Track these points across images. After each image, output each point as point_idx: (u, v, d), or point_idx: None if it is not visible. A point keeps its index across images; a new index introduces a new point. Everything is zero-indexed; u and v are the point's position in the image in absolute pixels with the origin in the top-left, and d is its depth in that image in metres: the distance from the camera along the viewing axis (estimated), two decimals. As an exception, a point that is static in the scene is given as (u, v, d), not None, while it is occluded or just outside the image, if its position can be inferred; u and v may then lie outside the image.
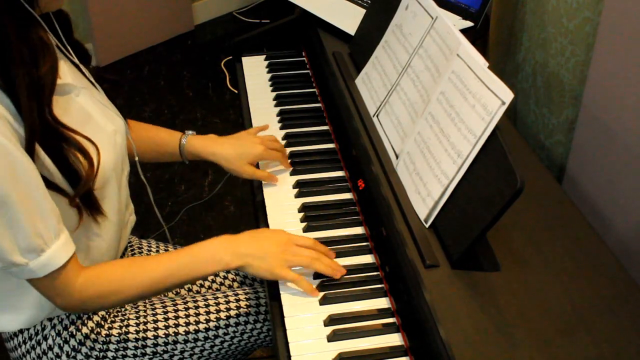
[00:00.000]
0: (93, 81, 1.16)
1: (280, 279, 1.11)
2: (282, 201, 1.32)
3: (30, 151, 0.94)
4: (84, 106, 1.09)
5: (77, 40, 1.15)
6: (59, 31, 1.06)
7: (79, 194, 1.02)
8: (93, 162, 1.04)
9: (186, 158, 1.38)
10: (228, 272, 1.44)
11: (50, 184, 0.99)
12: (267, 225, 1.27)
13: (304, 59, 1.79)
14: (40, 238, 0.95)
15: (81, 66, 1.13)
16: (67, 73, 1.07)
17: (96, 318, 1.20)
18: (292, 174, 1.39)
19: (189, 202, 2.58)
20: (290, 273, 1.10)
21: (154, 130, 1.38)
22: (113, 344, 1.21)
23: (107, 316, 1.22)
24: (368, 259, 1.18)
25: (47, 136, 0.97)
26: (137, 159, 1.28)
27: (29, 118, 0.92)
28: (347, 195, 1.33)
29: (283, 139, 1.48)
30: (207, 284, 1.42)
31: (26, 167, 0.92)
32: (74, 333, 1.18)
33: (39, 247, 0.96)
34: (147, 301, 1.29)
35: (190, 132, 1.38)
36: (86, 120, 1.07)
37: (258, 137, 1.40)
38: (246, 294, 1.32)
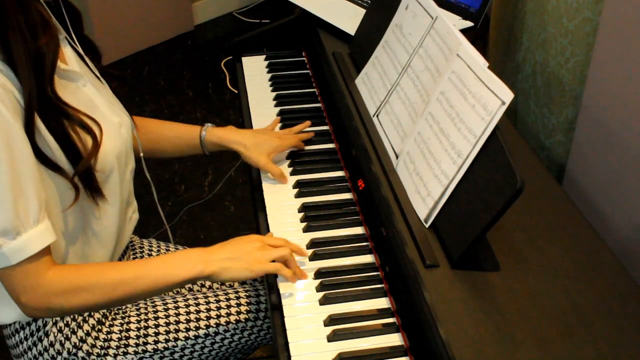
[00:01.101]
0: (99, 77, 1.17)
1: (261, 274, 1.10)
2: (282, 201, 1.32)
3: (29, 122, 0.95)
4: (91, 97, 1.11)
5: (87, 36, 1.17)
6: (68, 23, 1.09)
7: (79, 171, 1.02)
8: (97, 138, 1.04)
9: (207, 149, 1.41)
10: None
11: (48, 162, 0.99)
12: (267, 225, 1.27)
13: (304, 59, 1.79)
14: (19, 219, 0.94)
15: (87, 60, 1.15)
16: (74, 63, 1.09)
17: (97, 315, 1.21)
18: (292, 174, 1.39)
19: (189, 202, 2.58)
20: (270, 265, 1.10)
21: (173, 125, 1.43)
22: (114, 341, 1.21)
23: (108, 314, 1.23)
24: (368, 259, 1.18)
25: (48, 111, 0.98)
26: (141, 155, 1.29)
27: (27, 87, 0.94)
28: (347, 195, 1.33)
29: (283, 139, 1.48)
30: (207, 283, 1.42)
31: (21, 142, 0.93)
32: (76, 330, 1.18)
33: (16, 228, 0.94)
34: (148, 299, 1.29)
35: (208, 124, 1.42)
36: (92, 109, 1.09)
37: (276, 131, 1.46)
38: (246, 292, 1.32)
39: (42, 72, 0.96)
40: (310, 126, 1.50)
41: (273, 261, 1.11)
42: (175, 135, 1.41)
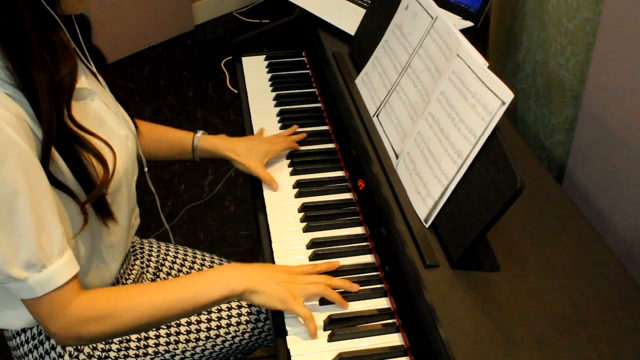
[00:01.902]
0: (103, 85, 1.15)
1: (291, 312, 1.04)
2: (282, 201, 1.32)
3: (45, 154, 0.92)
4: (98, 111, 1.08)
5: (95, 45, 1.14)
6: (79, 35, 1.05)
7: (92, 199, 1.00)
8: (108, 167, 1.02)
9: (197, 156, 1.42)
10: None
11: (61, 186, 0.97)
12: (267, 225, 1.27)
13: (304, 59, 1.79)
14: (43, 252, 0.92)
15: (94, 70, 1.12)
16: (82, 77, 1.06)
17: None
18: (292, 174, 1.39)
19: (189, 202, 2.58)
20: (303, 308, 1.04)
21: (165, 129, 1.43)
22: (115, 343, 1.21)
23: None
24: (368, 259, 1.18)
25: (63, 139, 0.95)
26: (146, 169, 1.26)
27: (47, 121, 0.91)
28: (347, 195, 1.33)
29: (283, 139, 1.48)
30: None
31: (38, 172, 0.91)
32: (76, 333, 1.17)
33: (41, 262, 0.92)
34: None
35: (201, 131, 1.43)
36: (101, 125, 1.06)
37: (266, 137, 1.47)
38: (246, 293, 1.32)
39: (60, 100, 0.93)
40: (310, 126, 1.51)
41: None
42: (168, 140, 1.41)
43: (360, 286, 1.11)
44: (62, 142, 0.95)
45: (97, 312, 0.99)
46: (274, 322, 1.08)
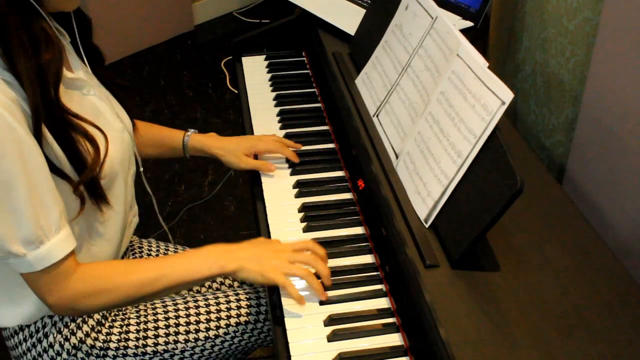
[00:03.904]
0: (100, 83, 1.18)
1: (271, 283, 1.10)
2: (282, 201, 1.32)
3: (37, 133, 0.96)
4: (95, 103, 1.12)
5: (94, 44, 1.19)
6: (76, 32, 1.10)
7: (83, 180, 1.03)
8: (99, 149, 1.06)
9: (188, 153, 1.45)
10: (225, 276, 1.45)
11: (55, 169, 1.00)
12: (267, 225, 1.27)
13: (304, 59, 1.79)
14: (41, 229, 0.96)
15: (88, 69, 1.16)
16: (80, 70, 1.11)
17: (97, 316, 1.21)
18: (292, 174, 1.39)
19: (189, 202, 2.58)
20: (281, 277, 1.08)
21: (158, 128, 1.45)
22: (114, 342, 1.21)
23: (108, 315, 1.23)
24: (368, 259, 1.18)
25: (54, 121, 0.99)
26: (142, 170, 1.29)
27: (32, 100, 0.95)
28: (347, 195, 1.33)
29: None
30: (207, 283, 1.42)
31: (35, 154, 0.94)
32: (75, 331, 1.18)
33: (39, 238, 0.97)
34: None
35: (192, 130, 1.45)
36: (96, 116, 1.10)
37: (258, 135, 1.48)
38: (247, 293, 1.32)
39: (46, 85, 0.97)
40: (310, 126, 1.51)
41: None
42: (159, 138, 1.44)
43: (360, 286, 1.12)
44: (53, 123, 0.99)
45: (93, 288, 1.05)
46: (272, 313, 1.08)
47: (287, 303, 1.09)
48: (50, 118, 0.98)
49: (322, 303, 1.09)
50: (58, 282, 1.02)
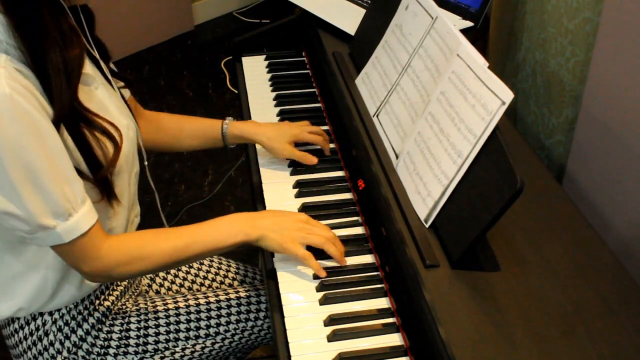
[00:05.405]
0: (110, 79, 1.19)
1: (290, 254, 1.13)
2: (282, 201, 1.32)
3: (56, 127, 0.97)
4: (102, 98, 1.13)
5: (99, 37, 1.20)
6: (85, 26, 1.12)
7: (105, 173, 1.06)
8: (118, 144, 1.08)
9: (228, 142, 1.44)
10: (229, 270, 1.45)
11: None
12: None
13: (304, 59, 1.79)
14: (68, 202, 0.98)
15: (101, 62, 1.18)
16: (88, 66, 1.12)
17: (97, 315, 1.21)
18: (292, 174, 1.39)
19: (189, 202, 2.58)
20: (301, 249, 1.12)
21: (192, 119, 1.45)
22: (114, 340, 1.21)
23: (108, 313, 1.23)
24: (368, 259, 1.18)
25: (72, 119, 1.00)
26: (146, 163, 1.30)
27: (59, 99, 0.96)
28: (347, 195, 1.33)
29: (283, 139, 1.48)
30: (207, 282, 1.42)
31: (52, 135, 0.96)
32: (75, 329, 1.18)
33: (67, 211, 0.99)
34: (147, 298, 1.29)
35: (229, 117, 1.44)
36: (104, 112, 1.11)
37: (295, 122, 1.47)
38: (247, 291, 1.32)
39: (70, 80, 0.99)
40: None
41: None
42: (197, 129, 1.43)
43: (360, 286, 1.12)
44: (71, 122, 1.00)
45: (127, 256, 1.09)
46: (272, 311, 1.08)
47: (287, 303, 1.09)
48: (69, 115, 0.99)
49: (322, 303, 1.09)
50: (92, 252, 1.04)
